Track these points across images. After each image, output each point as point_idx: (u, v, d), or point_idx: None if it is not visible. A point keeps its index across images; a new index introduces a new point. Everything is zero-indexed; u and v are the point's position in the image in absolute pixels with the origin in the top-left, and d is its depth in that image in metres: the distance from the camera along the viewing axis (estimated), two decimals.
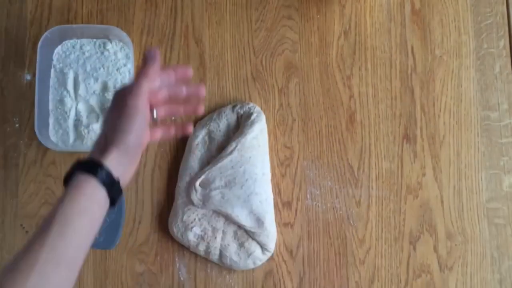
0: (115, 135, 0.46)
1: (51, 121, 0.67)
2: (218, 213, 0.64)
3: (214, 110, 0.70)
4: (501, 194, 0.69)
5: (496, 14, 0.73)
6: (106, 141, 0.46)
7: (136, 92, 0.46)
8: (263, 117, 0.67)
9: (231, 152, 0.64)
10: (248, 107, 0.67)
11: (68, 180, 0.44)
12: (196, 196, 0.63)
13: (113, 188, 0.45)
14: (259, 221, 0.63)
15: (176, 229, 0.64)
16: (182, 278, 0.66)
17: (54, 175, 0.67)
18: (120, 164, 0.46)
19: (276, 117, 0.70)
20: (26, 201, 0.67)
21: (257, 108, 0.68)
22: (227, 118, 0.67)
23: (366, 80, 0.71)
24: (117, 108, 0.47)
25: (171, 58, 0.71)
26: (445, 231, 0.68)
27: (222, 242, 0.63)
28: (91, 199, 0.44)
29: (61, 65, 0.69)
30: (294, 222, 0.68)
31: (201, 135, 0.66)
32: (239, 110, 0.67)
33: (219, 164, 0.63)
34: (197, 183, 0.63)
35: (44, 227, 0.40)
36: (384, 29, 0.73)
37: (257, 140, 0.65)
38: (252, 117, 0.66)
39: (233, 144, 0.64)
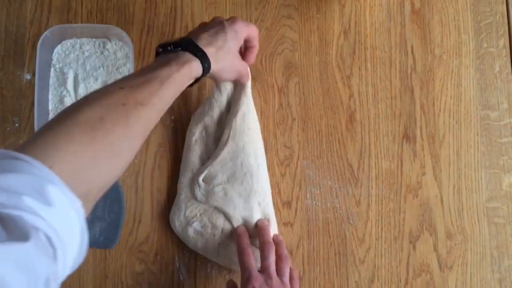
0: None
1: None
2: (219, 209, 0.63)
3: None
4: (501, 194, 0.69)
5: (495, 13, 0.74)
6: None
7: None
8: (247, 85, 0.64)
9: (226, 143, 0.63)
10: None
11: (176, 46, 0.51)
12: (199, 192, 0.63)
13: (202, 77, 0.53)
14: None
15: (178, 223, 0.64)
16: (182, 278, 0.66)
17: None
18: (216, 61, 0.54)
19: (276, 117, 0.70)
20: None
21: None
22: (218, 104, 0.65)
23: (366, 79, 0.71)
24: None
25: None
26: (444, 231, 0.68)
27: (221, 241, 0.63)
28: (191, 79, 0.52)
29: (60, 64, 0.69)
30: (294, 222, 0.68)
31: (198, 131, 0.66)
32: (225, 87, 0.65)
33: (219, 158, 0.63)
34: (200, 179, 0.63)
35: (159, 76, 0.47)
36: (384, 29, 0.73)
37: (246, 123, 0.64)
38: (236, 91, 0.65)
39: (226, 133, 0.63)
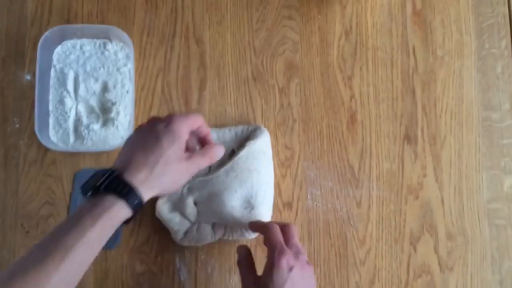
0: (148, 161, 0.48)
1: (51, 121, 0.67)
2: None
3: (214, 109, 0.70)
4: (502, 195, 0.69)
5: (497, 14, 0.73)
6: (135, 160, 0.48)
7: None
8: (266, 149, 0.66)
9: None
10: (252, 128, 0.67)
11: (97, 189, 0.45)
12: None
13: (136, 214, 0.46)
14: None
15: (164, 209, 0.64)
16: (182, 278, 0.66)
17: (54, 175, 0.67)
18: (150, 188, 0.47)
19: (277, 118, 0.70)
20: (26, 201, 0.67)
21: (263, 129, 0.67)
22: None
23: (367, 80, 0.71)
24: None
25: (171, 58, 0.70)
26: (445, 232, 0.68)
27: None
28: (116, 225, 0.45)
29: (61, 65, 0.68)
30: (295, 223, 0.68)
31: None
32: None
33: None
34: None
35: (64, 244, 0.41)
36: (385, 30, 0.72)
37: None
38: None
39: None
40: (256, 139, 0.65)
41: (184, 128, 0.50)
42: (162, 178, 0.48)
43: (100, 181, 0.45)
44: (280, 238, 0.53)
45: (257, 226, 0.58)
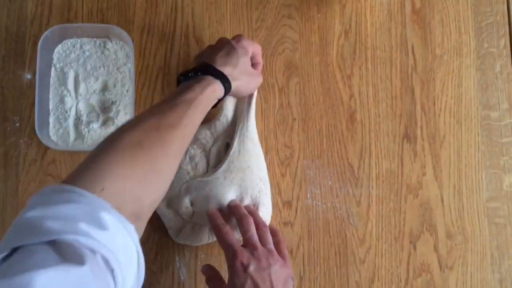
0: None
1: (51, 120, 0.67)
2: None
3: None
4: (501, 194, 0.69)
5: (496, 13, 0.73)
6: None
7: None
8: (253, 97, 0.66)
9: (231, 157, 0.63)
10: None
11: (196, 72, 0.54)
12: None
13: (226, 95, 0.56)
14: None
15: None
16: (182, 278, 0.66)
17: (54, 174, 0.67)
18: (233, 80, 0.57)
19: (276, 117, 0.70)
20: (26, 200, 0.66)
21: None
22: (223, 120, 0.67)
23: (367, 79, 0.71)
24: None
25: (171, 57, 0.70)
26: (445, 231, 0.68)
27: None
28: (214, 100, 0.55)
29: (61, 64, 0.69)
30: (294, 222, 0.68)
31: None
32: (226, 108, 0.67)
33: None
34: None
35: (185, 100, 0.50)
36: (385, 29, 0.73)
37: (251, 138, 0.65)
38: (242, 105, 0.66)
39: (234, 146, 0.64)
40: (244, 124, 0.65)
41: (250, 48, 0.61)
42: (242, 76, 0.58)
43: (198, 68, 0.55)
44: (231, 240, 0.55)
45: (212, 225, 0.59)
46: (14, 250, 0.33)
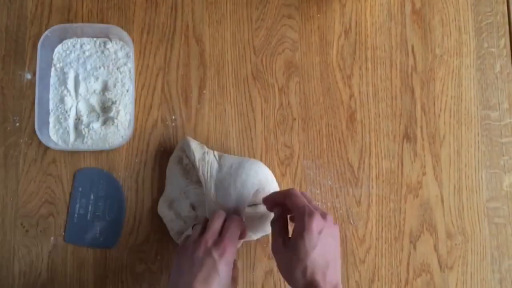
0: None
1: (51, 120, 0.67)
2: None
3: (214, 108, 0.70)
4: (501, 194, 0.69)
5: (496, 13, 0.74)
6: None
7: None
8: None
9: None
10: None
11: None
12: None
13: None
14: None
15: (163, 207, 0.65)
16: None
17: (54, 174, 0.67)
18: None
19: (276, 116, 0.70)
20: (26, 200, 0.67)
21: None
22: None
23: (367, 79, 0.71)
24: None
25: (171, 57, 0.70)
26: (445, 231, 0.68)
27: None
28: None
29: (61, 64, 0.69)
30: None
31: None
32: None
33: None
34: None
35: None
36: (385, 29, 0.73)
37: None
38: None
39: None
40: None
41: (235, 251, 0.54)
42: None
43: None
44: (305, 201, 0.53)
45: (275, 197, 0.57)
46: None
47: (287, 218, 0.57)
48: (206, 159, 0.62)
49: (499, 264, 0.68)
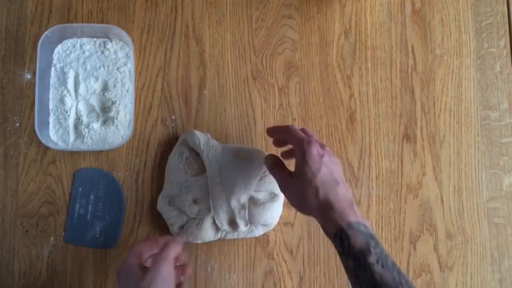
0: None
1: (51, 120, 0.67)
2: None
3: (214, 108, 0.70)
4: (501, 194, 0.69)
5: (496, 13, 0.74)
6: None
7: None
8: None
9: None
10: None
11: None
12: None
13: None
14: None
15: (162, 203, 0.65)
16: (182, 278, 0.66)
17: (54, 174, 0.67)
18: None
19: (276, 117, 0.70)
20: (26, 200, 0.67)
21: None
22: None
23: (367, 79, 0.71)
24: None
25: (171, 57, 0.70)
26: (445, 231, 0.68)
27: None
28: None
29: (61, 64, 0.69)
30: (294, 222, 0.68)
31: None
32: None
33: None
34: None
35: None
36: (385, 29, 0.73)
37: None
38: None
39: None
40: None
41: (172, 266, 0.52)
42: None
43: None
44: (301, 135, 0.55)
45: (276, 129, 0.59)
46: None
47: (281, 160, 0.58)
48: (210, 143, 0.64)
49: (499, 264, 0.68)
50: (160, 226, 0.66)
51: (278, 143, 0.60)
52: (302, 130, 0.57)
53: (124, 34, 0.66)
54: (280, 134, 0.58)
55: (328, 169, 0.52)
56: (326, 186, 0.50)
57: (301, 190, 0.51)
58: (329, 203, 0.49)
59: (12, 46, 0.70)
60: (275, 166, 0.57)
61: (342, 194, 0.50)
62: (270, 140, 0.69)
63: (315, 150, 0.52)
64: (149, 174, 0.68)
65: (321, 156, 0.52)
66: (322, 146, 0.54)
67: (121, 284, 0.51)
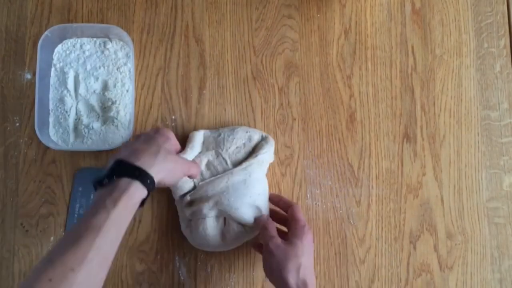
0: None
1: (51, 120, 0.67)
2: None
3: (214, 108, 0.70)
4: (501, 194, 0.69)
5: (496, 13, 0.74)
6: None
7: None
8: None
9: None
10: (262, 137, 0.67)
11: (110, 176, 0.49)
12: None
13: (150, 193, 0.51)
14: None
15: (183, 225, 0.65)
16: (182, 278, 0.66)
17: (54, 174, 0.67)
18: (156, 172, 0.51)
19: (276, 117, 0.70)
20: (26, 200, 0.67)
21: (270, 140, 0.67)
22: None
23: (367, 79, 0.71)
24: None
25: (171, 57, 0.71)
26: (445, 231, 0.68)
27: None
28: (136, 204, 0.49)
29: (61, 64, 0.69)
30: None
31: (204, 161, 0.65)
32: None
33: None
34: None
35: (93, 225, 0.45)
36: (385, 29, 0.73)
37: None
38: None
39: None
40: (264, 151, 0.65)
41: (171, 134, 0.59)
42: (165, 164, 0.52)
43: (112, 170, 0.49)
44: (303, 217, 0.60)
45: (280, 201, 0.63)
46: None
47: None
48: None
49: (499, 264, 0.68)
50: (160, 227, 0.67)
51: (277, 205, 0.64)
52: (292, 208, 0.61)
53: (124, 34, 0.67)
54: (283, 205, 0.63)
55: (310, 256, 0.57)
56: (307, 268, 0.55)
57: (286, 259, 0.55)
58: (305, 282, 0.54)
59: (12, 46, 0.70)
60: (270, 225, 0.60)
61: (314, 284, 0.56)
62: None
63: (310, 237, 0.58)
64: None
65: (310, 245, 0.58)
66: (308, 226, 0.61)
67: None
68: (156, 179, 0.50)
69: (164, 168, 0.52)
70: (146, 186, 0.49)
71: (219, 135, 0.65)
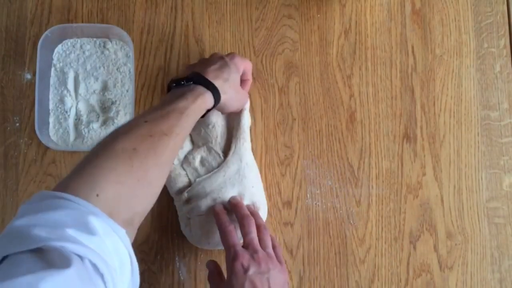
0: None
1: (51, 120, 0.67)
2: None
3: None
4: (501, 194, 0.69)
5: (496, 13, 0.73)
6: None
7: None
8: (245, 109, 0.66)
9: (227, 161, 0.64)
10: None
11: (189, 80, 0.54)
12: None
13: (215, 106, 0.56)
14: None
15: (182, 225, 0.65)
16: (182, 278, 0.66)
17: (54, 174, 0.67)
18: (224, 92, 0.56)
19: (276, 117, 0.70)
20: (26, 200, 0.67)
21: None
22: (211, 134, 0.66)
23: (367, 79, 0.71)
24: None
25: (171, 57, 0.70)
26: (445, 231, 0.68)
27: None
28: (203, 110, 0.54)
29: (61, 64, 0.69)
30: (294, 222, 0.68)
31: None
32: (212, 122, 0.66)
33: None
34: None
35: (178, 107, 0.50)
36: (385, 29, 0.73)
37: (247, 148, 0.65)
38: (235, 117, 0.65)
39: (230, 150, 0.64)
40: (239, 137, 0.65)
41: (241, 66, 0.61)
42: (231, 91, 0.58)
43: (190, 76, 0.55)
44: (233, 240, 0.56)
45: (217, 222, 0.60)
46: (3, 259, 0.33)
47: (219, 268, 0.60)
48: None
49: (499, 264, 0.68)
50: (160, 227, 0.67)
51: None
52: (242, 220, 0.58)
53: (124, 34, 0.67)
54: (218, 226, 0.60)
55: (253, 284, 0.52)
56: None
57: None
58: None
59: (12, 46, 0.70)
60: (211, 275, 0.59)
61: None
62: (270, 140, 0.69)
63: (238, 265, 0.53)
64: None
65: (246, 271, 0.53)
66: (252, 253, 0.54)
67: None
68: (221, 99, 0.56)
69: (231, 92, 0.57)
70: (215, 99, 0.55)
71: (200, 131, 0.65)
